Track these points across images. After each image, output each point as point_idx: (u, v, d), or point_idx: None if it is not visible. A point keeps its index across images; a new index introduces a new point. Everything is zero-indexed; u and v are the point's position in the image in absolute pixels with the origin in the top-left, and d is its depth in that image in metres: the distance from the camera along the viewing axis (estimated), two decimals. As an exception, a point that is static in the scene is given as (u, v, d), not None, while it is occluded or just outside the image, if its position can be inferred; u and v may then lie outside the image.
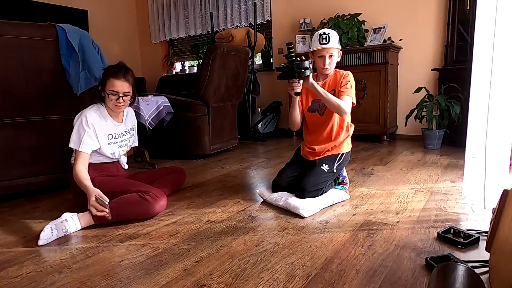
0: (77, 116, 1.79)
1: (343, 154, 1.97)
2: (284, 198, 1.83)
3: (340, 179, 2.07)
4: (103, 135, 1.80)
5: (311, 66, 1.77)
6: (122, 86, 1.74)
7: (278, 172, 2.07)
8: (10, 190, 2.05)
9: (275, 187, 2.00)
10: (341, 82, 1.92)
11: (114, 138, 1.86)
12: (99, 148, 1.79)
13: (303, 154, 2.09)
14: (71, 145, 1.74)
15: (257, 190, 2.05)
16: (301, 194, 1.83)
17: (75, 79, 2.10)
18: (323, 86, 1.94)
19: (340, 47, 1.94)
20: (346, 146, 2.00)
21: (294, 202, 1.76)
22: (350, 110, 1.87)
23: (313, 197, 1.83)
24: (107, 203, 1.55)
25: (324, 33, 1.88)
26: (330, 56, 1.91)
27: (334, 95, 1.89)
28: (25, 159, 2.07)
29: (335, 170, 1.94)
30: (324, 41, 1.88)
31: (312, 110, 2.01)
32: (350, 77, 1.93)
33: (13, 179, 2.04)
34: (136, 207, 1.63)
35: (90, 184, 1.63)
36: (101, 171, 1.84)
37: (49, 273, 1.21)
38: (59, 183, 2.21)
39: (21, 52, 1.95)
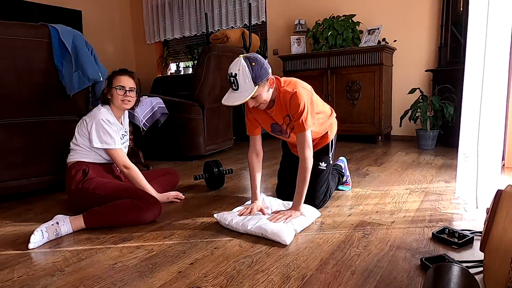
0: (86, 120, 1.80)
1: (332, 140, 1.88)
2: (254, 222, 1.49)
3: (344, 178, 2.09)
4: (118, 136, 1.86)
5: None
6: (127, 80, 1.85)
7: (279, 178, 2.00)
8: (2, 192, 2.02)
9: (282, 194, 1.93)
10: (292, 110, 1.57)
11: (121, 139, 1.91)
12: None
13: (294, 151, 1.95)
14: (103, 146, 1.78)
15: (215, 215, 1.63)
16: (313, 203, 1.73)
17: (68, 80, 2.08)
18: (273, 113, 1.67)
19: (257, 86, 1.44)
20: (331, 133, 1.88)
21: (271, 227, 1.43)
22: (310, 139, 1.61)
23: (325, 200, 1.80)
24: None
25: (231, 74, 1.45)
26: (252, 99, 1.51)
27: (289, 121, 1.63)
28: (17, 160, 2.04)
29: (331, 161, 1.90)
30: (234, 86, 1.47)
31: (275, 132, 1.82)
32: (298, 98, 1.53)
33: (5, 181, 2.01)
34: (129, 214, 1.60)
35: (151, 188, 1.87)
36: (100, 171, 1.84)
37: (41, 277, 1.20)
38: (52, 185, 2.18)
39: (13, 53, 1.93)
